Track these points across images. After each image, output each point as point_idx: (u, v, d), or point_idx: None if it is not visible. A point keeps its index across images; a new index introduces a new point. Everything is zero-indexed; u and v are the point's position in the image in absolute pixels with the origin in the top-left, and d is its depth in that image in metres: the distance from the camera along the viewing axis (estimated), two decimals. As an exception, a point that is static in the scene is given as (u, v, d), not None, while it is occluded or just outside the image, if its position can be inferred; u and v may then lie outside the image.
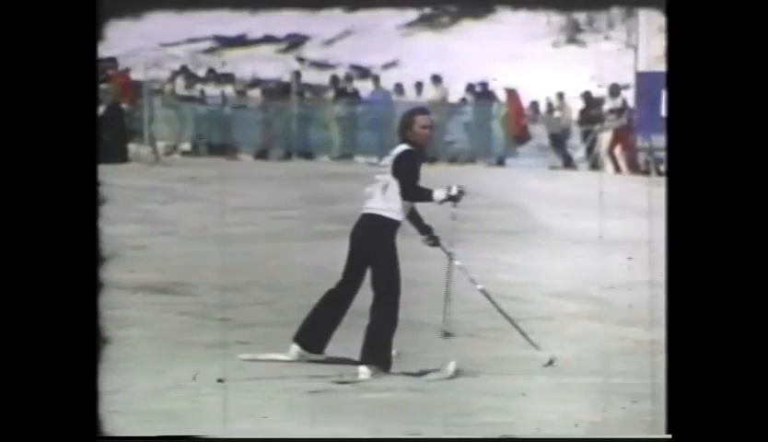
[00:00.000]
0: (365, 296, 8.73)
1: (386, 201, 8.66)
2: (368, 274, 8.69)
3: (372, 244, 8.63)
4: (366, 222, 8.70)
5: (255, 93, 19.13)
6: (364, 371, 8.54)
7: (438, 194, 8.65)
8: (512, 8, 9.31)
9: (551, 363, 8.93)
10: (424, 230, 8.92)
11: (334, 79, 19.16)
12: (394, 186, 8.67)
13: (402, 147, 8.75)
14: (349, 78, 19.24)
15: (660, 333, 8.03)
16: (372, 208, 8.69)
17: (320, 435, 7.43)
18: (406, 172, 8.65)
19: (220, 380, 8.41)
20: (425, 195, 8.66)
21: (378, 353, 8.57)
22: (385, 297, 8.57)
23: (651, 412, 7.64)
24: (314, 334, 8.78)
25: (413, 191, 8.66)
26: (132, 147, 17.14)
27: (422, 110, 9.08)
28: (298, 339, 8.82)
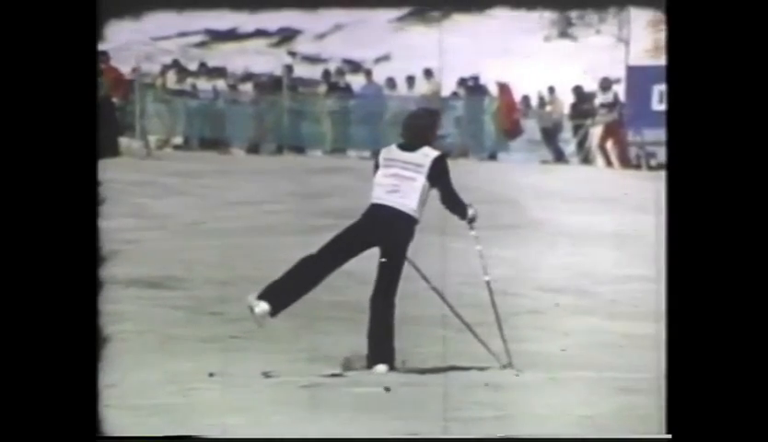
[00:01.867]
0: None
1: (419, 203, 8.68)
2: (378, 269, 8.64)
3: (399, 243, 8.62)
4: (397, 217, 8.63)
5: (247, 87, 19.08)
6: (381, 368, 8.54)
7: (471, 213, 8.86)
8: (510, 8, 9.30)
9: (506, 367, 8.93)
10: None
11: (326, 73, 19.13)
12: (426, 189, 8.68)
13: (434, 152, 8.77)
14: (341, 72, 19.21)
15: (653, 327, 8.05)
16: (405, 206, 8.64)
17: (314, 428, 7.44)
18: (448, 180, 8.74)
19: (211, 374, 8.42)
20: (461, 210, 8.82)
21: (390, 349, 8.58)
22: (391, 295, 8.58)
23: (644, 406, 7.65)
24: (281, 296, 8.58)
25: (456, 202, 8.78)
26: (123, 141, 17.10)
27: (439, 114, 9.21)
28: (266, 296, 8.60)
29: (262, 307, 8.55)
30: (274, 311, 8.58)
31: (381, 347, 8.58)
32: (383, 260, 8.61)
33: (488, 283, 8.99)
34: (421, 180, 8.68)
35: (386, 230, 8.63)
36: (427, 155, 8.73)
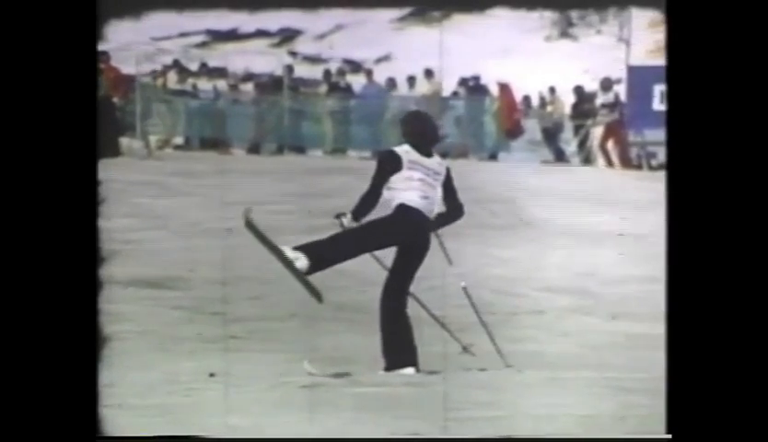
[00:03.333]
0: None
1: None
2: (392, 272, 8.56)
3: (423, 247, 8.57)
4: (424, 222, 8.57)
5: (248, 87, 19.11)
6: (410, 371, 8.51)
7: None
8: (511, 8, 9.27)
9: (465, 350, 8.92)
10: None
11: (327, 73, 19.14)
12: None
13: (445, 161, 8.78)
14: (342, 73, 19.22)
15: (653, 327, 8.04)
16: (431, 213, 8.61)
17: (314, 429, 7.43)
18: (454, 188, 8.75)
19: (212, 375, 8.42)
20: (454, 219, 8.80)
21: (413, 349, 8.55)
22: (404, 296, 8.53)
23: (645, 406, 7.64)
24: (319, 254, 8.44)
25: (457, 210, 8.76)
26: (124, 141, 17.13)
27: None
28: (304, 251, 8.45)
29: (303, 261, 8.42)
30: (311, 270, 8.45)
31: (404, 349, 8.52)
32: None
33: (465, 289, 8.94)
34: (439, 189, 8.67)
35: (414, 233, 8.54)
36: (441, 163, 8.72)
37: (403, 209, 8.55)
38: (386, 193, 8.60)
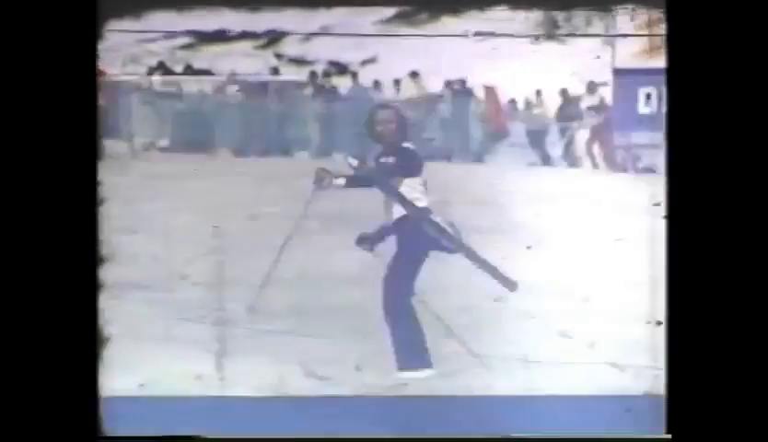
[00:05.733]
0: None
1: None
2: (399, 270, 8.55)
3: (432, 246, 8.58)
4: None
5: (233, 89, 19.10)
6: (427, 374, 8.47)
7: None
8: (510, 8, 9.26)
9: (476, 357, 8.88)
10: None
11: (312, 75, 19.14)
12: None
13: None
14: (327, 74, 19.23)
15: (643, 329, 8.06)
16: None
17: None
18: None
19: (199, 377, 8.42)
20: None
21: (426, 351, 8.51)
22: (411, 297, 8.50)
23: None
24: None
25: None
26: (108, 144, 17.08)
27: None
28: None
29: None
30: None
31: (417, 349, 8.48)
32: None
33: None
34: None
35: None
36: None
37: (428, 212, 8.52)
38: (407, 194, 8.52)
